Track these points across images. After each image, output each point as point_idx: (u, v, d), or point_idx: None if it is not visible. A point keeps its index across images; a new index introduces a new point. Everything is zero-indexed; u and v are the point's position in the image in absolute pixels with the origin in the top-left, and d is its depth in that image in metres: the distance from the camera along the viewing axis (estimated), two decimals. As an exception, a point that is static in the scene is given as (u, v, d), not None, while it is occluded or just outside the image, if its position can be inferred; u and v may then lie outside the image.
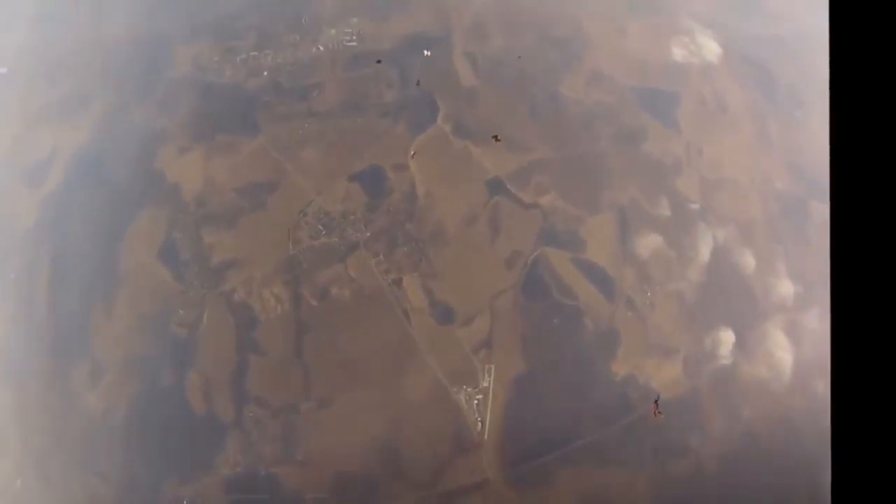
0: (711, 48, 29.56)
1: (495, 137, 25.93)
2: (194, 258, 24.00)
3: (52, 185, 26.41)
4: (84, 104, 28.33)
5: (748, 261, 24.52)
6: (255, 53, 27.97)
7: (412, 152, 25.32)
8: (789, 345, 23.04)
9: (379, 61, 27.59)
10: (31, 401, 22.90)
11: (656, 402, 21.68)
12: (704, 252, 24.19)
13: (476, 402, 21.37)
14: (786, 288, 24.13)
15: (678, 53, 29.21)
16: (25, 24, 32.99)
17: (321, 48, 27.93)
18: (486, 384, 21.60)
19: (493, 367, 21.74)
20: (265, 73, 27.53)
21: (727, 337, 22.95)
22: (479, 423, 21.01)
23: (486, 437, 20.98)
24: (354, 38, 28.09)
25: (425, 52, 27.12)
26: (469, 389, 21.49)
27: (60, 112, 28.54)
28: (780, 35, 30.74)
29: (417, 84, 27.46)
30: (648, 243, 24.12)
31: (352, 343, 22.25)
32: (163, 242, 24.29)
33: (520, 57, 27.85)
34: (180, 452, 21.42)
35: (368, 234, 24.06)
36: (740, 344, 22.80)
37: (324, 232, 24.27)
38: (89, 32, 30.60)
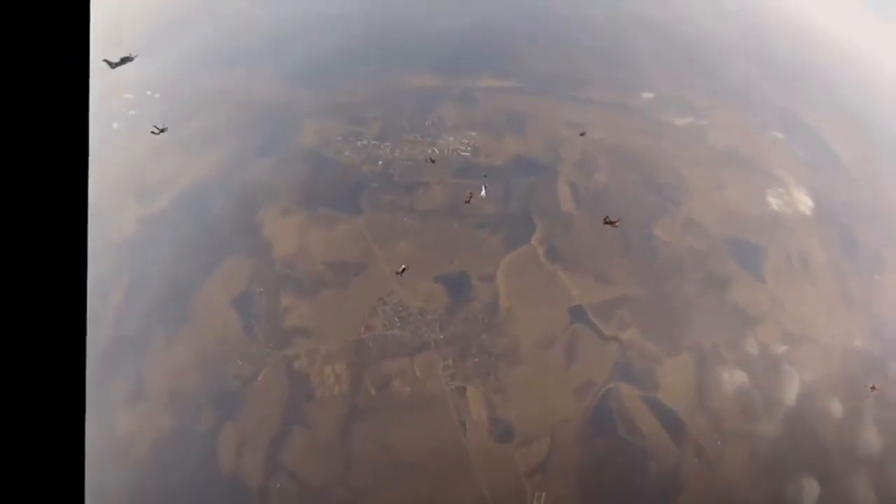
0: (805, 202, 31.73)
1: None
2: (267, 315, 24.85)
3: (158, 207, 28.80)
4: (210, 145, 31.26)
5: (834, 408, 24.50)
6: (376, 142, 30.84)
7: None
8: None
9: (485, 175, 29.64)
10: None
11: None
12: (789, 396, 23.98)
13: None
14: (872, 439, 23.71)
15: (773, 203, 31.36)
16: (182, 58, 37.00)
17: (437, 151, 30.26)
18: (532, 510, 21.12)
19: (543, 494, 21.44)
20: (379, 163, 30.16)
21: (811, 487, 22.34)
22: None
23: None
24: (469, 148, 30.91)
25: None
26: (514, 513, 20.99)
27: (188, 145, 31.78)
28: (866, 201, 33.01)
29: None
30: (727, 385, 24.19)
31: (401, 441, 22.18)
32: (241, 292, 25.41)
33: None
34: (190, 500, 20.97)
35: (442, 336, 24.83)
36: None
37: (398, 324, 25.09)
38: (235, 83, 33.94)
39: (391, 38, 40.57)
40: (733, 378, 24.77)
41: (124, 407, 22.68)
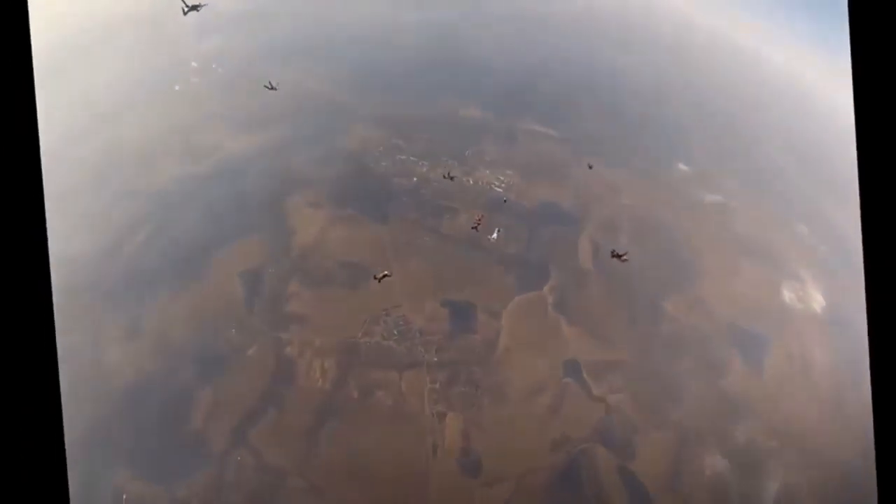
0: (818, 301, 31.70)
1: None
2: (271, 296, 25.48)
3: (198, 170, 30.43)
4: (260, 126, 32.60)
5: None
6: (414, 159, 31.84)
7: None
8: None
9: (505, 200, 30.37)
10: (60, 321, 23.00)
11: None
12: (766, 496, 23.61)
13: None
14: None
15: (786, 296, 31.47)
16: (253, 42, 39.08)
17: (470, 181, 31.30)
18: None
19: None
20: (414, 179, 31.29)
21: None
22: None
23: None
24: (503, 185, 31.63)
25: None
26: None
27: (239, 122, 33.53)
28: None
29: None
30: (705, 471, 24.01)
31: (369, 449, 22.20)
32: (253, 268, 26.16)
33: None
34: (152, 449, 21.38)
35: (436, 359, 25.01)
36: None
37: (396, 337, 25.40)
38: (297, 75, 35.58)
39: (450, 66, 42.47)
40: (713, 465, 24.45)
41: (116, 341, 23.42)
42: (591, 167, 31.73)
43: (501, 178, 32.46)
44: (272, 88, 30.80)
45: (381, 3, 49.32)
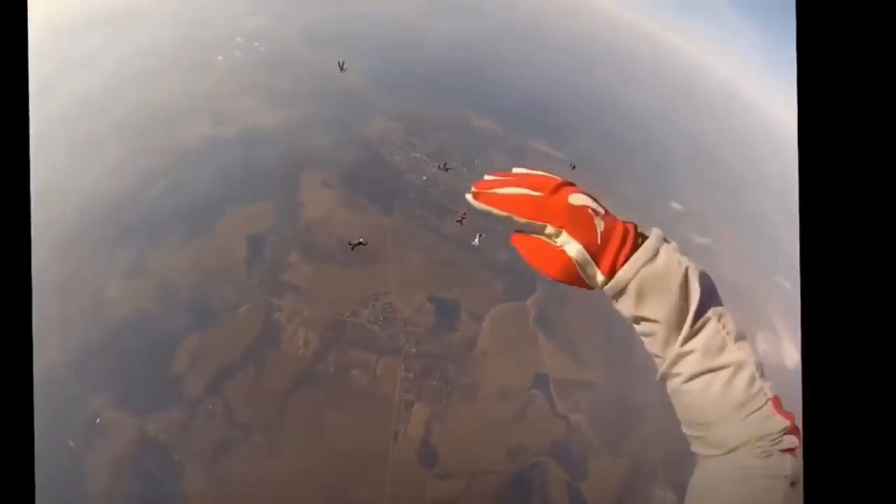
0: (791, 356, 31.71)
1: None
2: (271, 262, 26.61)
3: (223, 133, 32.11)
4: (287, 103, 34.14)
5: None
6: (426, 159, 32.77)
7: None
8: None
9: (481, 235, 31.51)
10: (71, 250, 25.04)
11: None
12: None
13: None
14: None
15: (759, 347, 31.47)
16: (296, 24, 40.88)
17: (454, 165, 32.29)
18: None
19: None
20: (424, 178, 32.20)
21: None
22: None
23: None
24: None
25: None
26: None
27: (269, 96, 35.26)
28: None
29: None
30: (652, 502, 24.33)
31: (335, 421, 23.21)
32: (259, 232, 27.40)
33: None
34: (132, 382, 22.48)
35: (415, 350, 25.80)
36: None
37: (381, 322, 26.27)
38: (330, 62, 36.98)
39: (471, 76, 43.67)
40: (662, 499, 24.97)
41: (119, 276, 24.87)
42: (573, 167, 32.45)
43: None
44: (342, 69, 32.04)
45: (416, 7, 51.09)
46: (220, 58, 37.31)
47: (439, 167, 31.44)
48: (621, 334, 30.00)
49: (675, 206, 39.14)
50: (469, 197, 1.81)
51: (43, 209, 28.58)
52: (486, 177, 1.89)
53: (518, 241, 1.75)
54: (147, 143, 30.33)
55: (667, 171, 42.93)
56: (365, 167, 32.15)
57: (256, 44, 39.16)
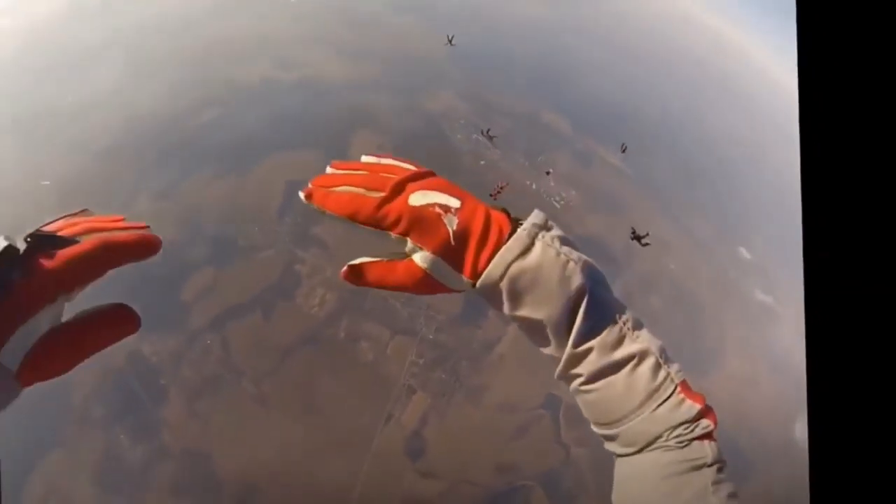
0: None
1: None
2: (304, 214, 26.02)
3: (283, 77, 31.90)
4: (359, 60, 34.32)
5: None
6: (488, 144, 31.34)
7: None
8: None
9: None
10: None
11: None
12: None
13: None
14: None
15: (797, 430, 29.48)
16: None
17: (533, 186, 31.34)
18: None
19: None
20: (482, 162, 31.40)
21: None
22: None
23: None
24: (561, 203, 31.71)
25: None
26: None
27: (342, 51, 34.83)
28: None
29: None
30: None
31: (330, 389, 22.48)
32: (298, 182, 25.55)
33: None
34: (139, 299, 21.91)
35: (431, 336, 24.79)
36: None
37: (403, 300, 25.11)
38: (412, 27, 36.73)
39: (554, 69, 42.42)
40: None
41: (149, 195, 24.89)
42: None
43: (563, 195, 31.85)
44: (451, 42, 31.58)
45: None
46: (293, 0, 37.39)
47: (482, 133, 30.48)
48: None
49: (744, 252, 37.06)
50: (301, 195, 1.58)
51: (92, 115, 29.31)
52: (329, 169, 1.69)
53: (350, 274, 1.60)
54: (205, 74, 30.63)
55: (743, 211, 40.73)
56: (422, 138, 31.24)
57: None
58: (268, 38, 34.36)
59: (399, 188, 1.50)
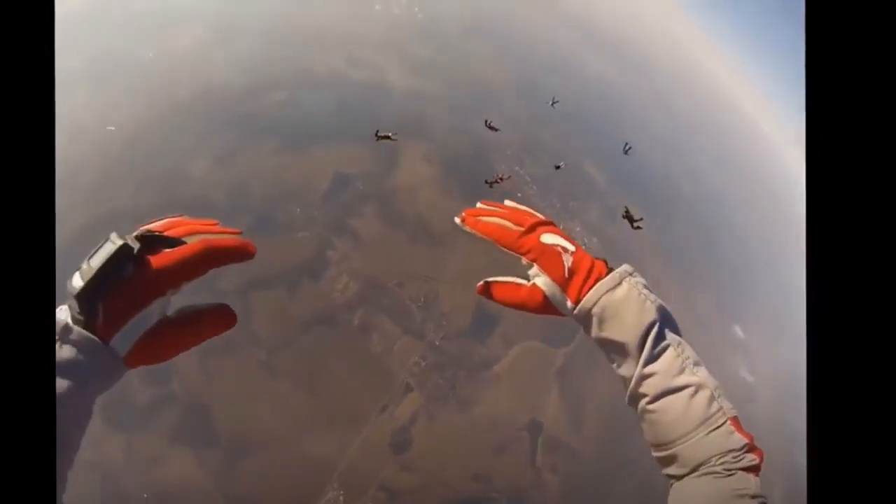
0: None
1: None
2: (347, 206, 27.71)
3: (355, 76, 33.41)
4: (422, 69, 36.11)
5: None
6: (528, 179, 33.57)
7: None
8: None
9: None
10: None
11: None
12: None
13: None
14: None
15: None
16: None
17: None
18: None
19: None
20: (518, 195, 31.56)
21: None
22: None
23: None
24: (583, 247, 31.80)
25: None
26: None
27: (412, 63, 36.34)
28: None
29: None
30: None
31: (333, 370, 23.68)
32: (347, 174, 28.67)
33: None
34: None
35: (438, 342, 25.90)
36: None
37: (420, 304, 26.50)
38: (486, 53, 37.84)
39: (610, 131, 43.88)
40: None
41: (207, 158, 26.55)
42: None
43: (585, 241, 32.86)
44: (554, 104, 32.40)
45: (585, 36, 51.04)
46: (377, 7, 38.95)
47: (485, 123, 30.98)
48: (627, 421, 29.03)
49: (738, 331, 37.79)
50: (457, 220, 2.01)
51: (169, 74, 30.68)
52: (479, 204, 2.11)
53: (484, 289, 2.00)
54: (283, 56, 31.93)
55: (744, 287, 42.30)
56: (467, 159, 32.64)
57: (416, 9, 40.57)
58: (348, 36, 36.30)
59: (533, 227, 1.89)
